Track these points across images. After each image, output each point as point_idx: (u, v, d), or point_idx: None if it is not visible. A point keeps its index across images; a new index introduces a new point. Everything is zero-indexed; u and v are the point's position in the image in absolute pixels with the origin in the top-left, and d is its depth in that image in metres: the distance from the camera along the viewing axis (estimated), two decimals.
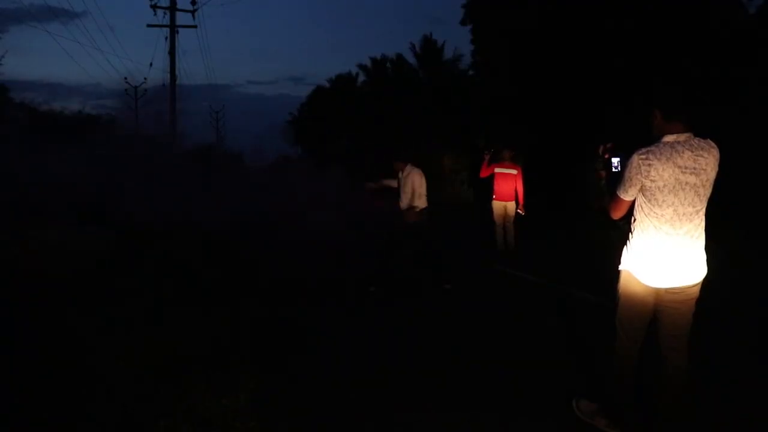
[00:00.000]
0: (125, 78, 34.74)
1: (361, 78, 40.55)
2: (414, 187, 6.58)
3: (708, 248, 2.96)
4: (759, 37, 12.54)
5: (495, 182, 9.22)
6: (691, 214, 2.77)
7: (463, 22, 21.17)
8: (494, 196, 9.22)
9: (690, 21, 13.48)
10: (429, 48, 30.43)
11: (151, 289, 5.45)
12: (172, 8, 21.87)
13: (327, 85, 50.50)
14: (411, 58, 31.20)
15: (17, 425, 3.00)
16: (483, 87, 20.74)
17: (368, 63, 37.29)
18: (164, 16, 21.93)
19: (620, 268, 2.96)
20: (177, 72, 22.01)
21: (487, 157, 9.20)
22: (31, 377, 3.57)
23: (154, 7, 21.75)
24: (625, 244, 2.95)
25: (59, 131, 11.59)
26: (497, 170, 9.18)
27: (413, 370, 4.15)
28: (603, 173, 3.12)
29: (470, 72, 25.94)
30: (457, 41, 70.72)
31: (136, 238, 8.27)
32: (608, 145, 3.15)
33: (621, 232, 9.23)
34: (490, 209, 9.35)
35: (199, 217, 9.50)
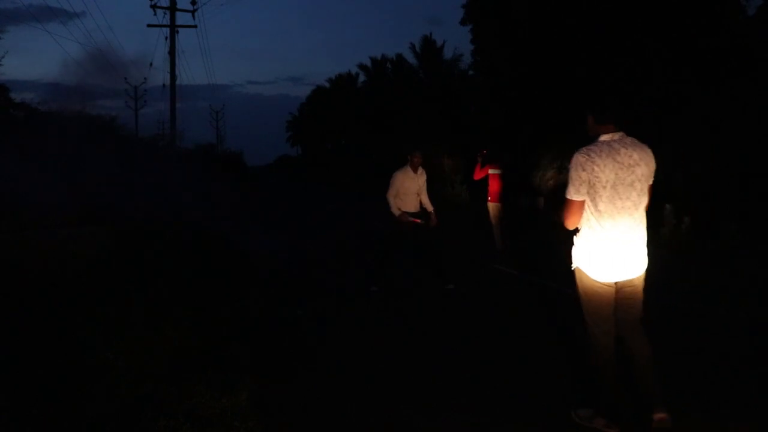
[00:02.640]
0: (125, 78, 34.79)
1: (362, 78, 40.58)
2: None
3: (704, 246, 2.98)
4: (758, 38, 12.54)
5: (489, 183, 9.21)
6: (630, 208, 2.93)
7: (463, 22, 21.17)
8: (489, 198, 9.21)
9: (691, 22, 13.47)
10: (429, 48, 30.42)
11: (150, 289, 5.45)
12: (172, 8, 21.86)
13: (327, 85, 50.61)
14: (411, 58, 31.22)
15: (17, 425, 3.00)
16: (482, 87, 20.75)
17: (368, 63, 37.34)
18: (164, 16, 21.95)
19: (573, 267, 3.11)
20: (177, 72, 22.01)
21: (480, 159, 9.19)
22: (31, 377, 3.57)
23: (154, 7, 21.75)
24: (573, 243, 3.11)
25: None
26: (491, 171, 9.17)
27: (413, 371, 4.15)
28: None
29: (470, 72, 25.93)
30: (457, 41, 70.91)
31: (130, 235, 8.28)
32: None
33: None
34: (486, 210, 9.34)
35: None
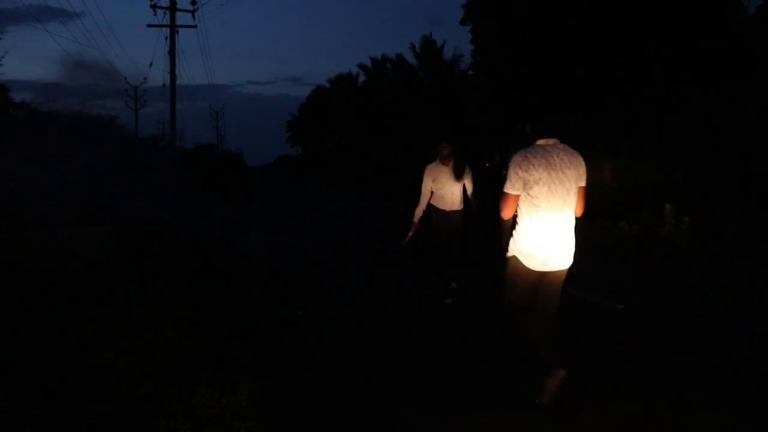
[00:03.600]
0: (125, 78, 34.83)
1: (362, 78, 40.56)
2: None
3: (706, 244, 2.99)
4: (758, 38, 12.54)
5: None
6: (561, 206, 3.37)
7: (463, 22, 21.16)
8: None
9: (691, 22, 13.46)
10: (429, 48, 30.41)
11: (150, 289, 5.45)
12: (172, 8, 21.85)
13: (327, 85, 50.59)
14: (411, 58, 31.20)
15: (17, 425, 3.00)
16: (482, 87, 20.75)
17: (368, 63, 37.33)
18: (164, 16, 21.92)
19: (508, 255, 3.53)
20: (177, 72, 22.00)
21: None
22: (31, 377, 3.57)
23: (154, 7, 21.73)
24: (511, 235, 3.52)
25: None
26: None
27: (413, 371, 4.15)
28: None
29: (470, 72, 25.93)
30: (457, 41, 70.93)
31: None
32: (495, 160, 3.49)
33: (620, 232, 9.17)
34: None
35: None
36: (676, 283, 7.00)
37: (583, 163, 3.44)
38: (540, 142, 3.43)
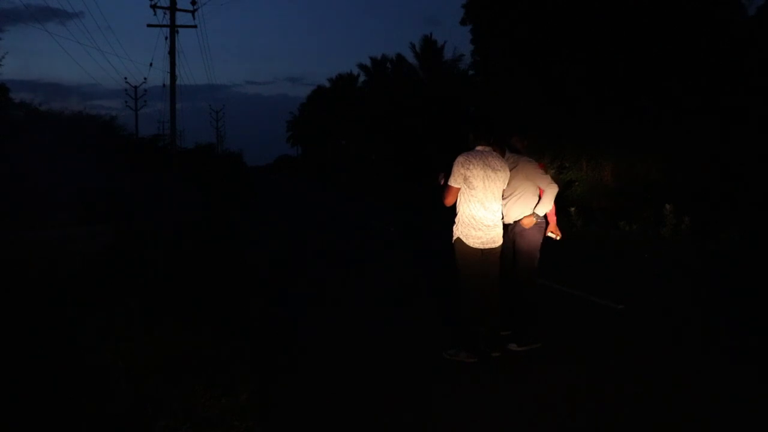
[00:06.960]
0: (125, 78, 34.85)
1: (362, 78, 40.52)
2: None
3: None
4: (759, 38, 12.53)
5: None
6: (492, 198, 4.21)
7: (463, 22, 21.16)
8: None
9: (692, 22, 13.45)
10: (429, 48, 30.38)
11: (149, 289, 5.45)
12: (172, 8, 21.83)
13: (327, 85, 50.56)
14: (411, 59, 31.17)
15: (17, 425, 3.00)
16: (482, 87, 20.72)
17: (368, 63, 37.29)
18: (164, 16, 21.89)
19: (454, 239, 4.26)
20: (177, 72, 21.97)
21: None
22: (31, 377, 3.57)
23: (154, 7, 21.71)
24: (454, 222, 4.27)
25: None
26: None
27: (413, 370, 4.15)
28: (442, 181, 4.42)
29: (470, 72, 25.92)
30: (457, 41, 70.76)
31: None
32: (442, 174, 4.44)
33: (620, 232, 9.16)
34: None
35: None
36: (676, 283, 7.01)
37: (508, 169, 4.35)
38: (478, 148, 4.25)
